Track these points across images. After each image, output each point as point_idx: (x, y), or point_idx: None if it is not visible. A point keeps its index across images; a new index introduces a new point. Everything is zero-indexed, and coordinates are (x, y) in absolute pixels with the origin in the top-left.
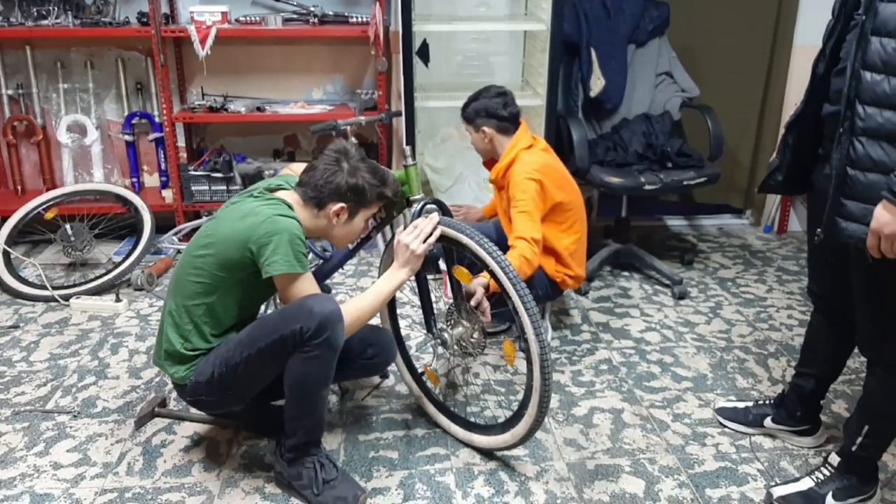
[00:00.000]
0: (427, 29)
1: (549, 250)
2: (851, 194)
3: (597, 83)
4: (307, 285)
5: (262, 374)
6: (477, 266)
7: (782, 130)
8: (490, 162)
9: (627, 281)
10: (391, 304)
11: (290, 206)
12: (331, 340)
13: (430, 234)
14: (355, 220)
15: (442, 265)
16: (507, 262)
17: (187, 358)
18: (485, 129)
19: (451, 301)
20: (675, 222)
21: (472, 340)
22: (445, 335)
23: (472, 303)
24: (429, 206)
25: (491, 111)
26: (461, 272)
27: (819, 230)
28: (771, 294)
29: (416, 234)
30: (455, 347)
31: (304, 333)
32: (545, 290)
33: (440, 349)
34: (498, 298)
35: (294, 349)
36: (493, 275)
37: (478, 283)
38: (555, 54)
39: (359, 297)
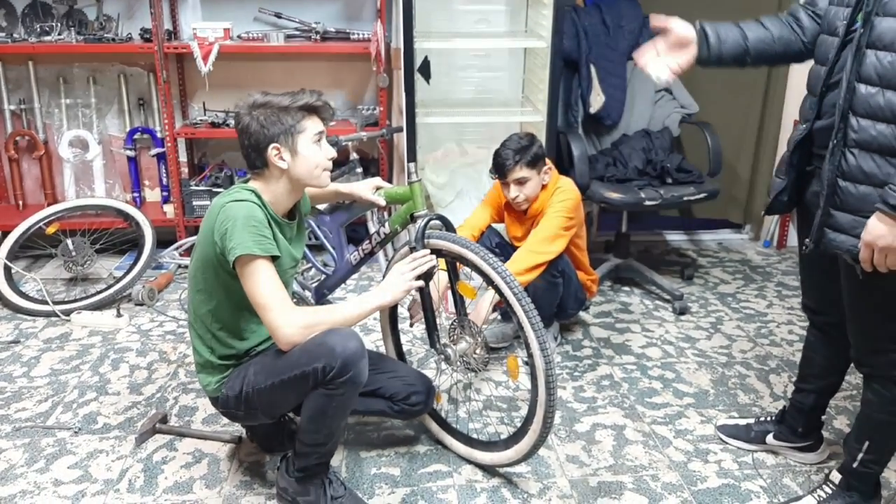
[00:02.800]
0: (427, 46)
1: (576, 261)
2: (842, 206)
3: (596, 99)
4: (268, 272)
5: (286, 401)
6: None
7: (782, 149)
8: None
9: (628, 296)
10: (393, 319)
11: (252, 191)
12: (354, 379)
13: (425, 273)
14: (301, 148)
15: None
16: (512, 276)
17: (219, 367)
18: (550, 164)
19: (454, 316)
20: (675, 237)
21: (476, 356)
22: (449, 351)
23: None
24: (433, 223)
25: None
26: (465, 288)
27: (807, 240)
28: (771, 309)
29: (412, 267)
30: (458, 363)
31: (326, 372)
32: (583, 296)
33: (443, 365)
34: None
35: (316, 386)
36: (497, 290)
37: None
38: (555, 71)
39: (332, 307)
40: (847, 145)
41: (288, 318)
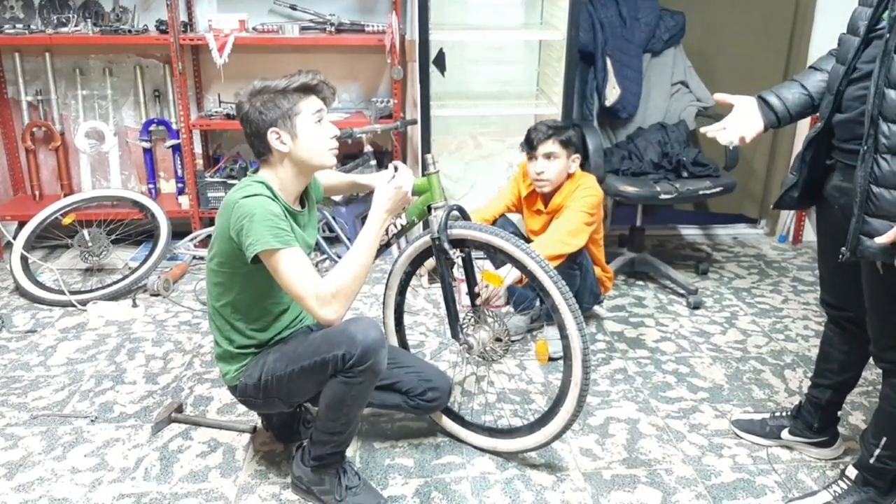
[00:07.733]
0: (441, 38)
1: (592, 256)
2: (876, 212)
3: (612, 92)
4: (292, 261)
5: (305, 389)
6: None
7: (798, 144)
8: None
9: (642, 290)
10: (398, 315)
11: (262, 182)
12: (373, 368)
13: (451, 261)
14: (300, 129)
15: (458, 273)
16: (546, 261)
17: (238, 356)
18: (576, 154)
19: (472, 307)
20: (690, 231)
21: (497, 346)
22: (471, 340)
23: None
24: (454, 213)
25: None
26: (491, 276)
27: (843, 248)
28: (787, 304)
29: (388, 177)
30: (479, 354)
31: (346, 360)
32: (598, 290)
33: (465, 354)
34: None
35: (336, 373)
36: (531, 275)
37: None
38: (571, 63)
39: (344, 261)
40: (879, 151)
41: (321, 299)
